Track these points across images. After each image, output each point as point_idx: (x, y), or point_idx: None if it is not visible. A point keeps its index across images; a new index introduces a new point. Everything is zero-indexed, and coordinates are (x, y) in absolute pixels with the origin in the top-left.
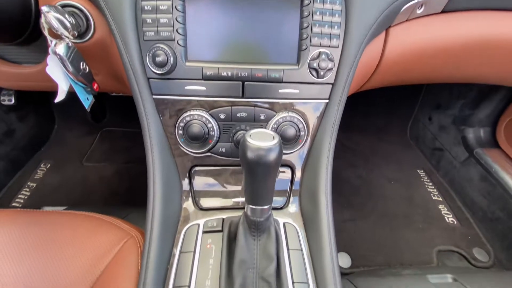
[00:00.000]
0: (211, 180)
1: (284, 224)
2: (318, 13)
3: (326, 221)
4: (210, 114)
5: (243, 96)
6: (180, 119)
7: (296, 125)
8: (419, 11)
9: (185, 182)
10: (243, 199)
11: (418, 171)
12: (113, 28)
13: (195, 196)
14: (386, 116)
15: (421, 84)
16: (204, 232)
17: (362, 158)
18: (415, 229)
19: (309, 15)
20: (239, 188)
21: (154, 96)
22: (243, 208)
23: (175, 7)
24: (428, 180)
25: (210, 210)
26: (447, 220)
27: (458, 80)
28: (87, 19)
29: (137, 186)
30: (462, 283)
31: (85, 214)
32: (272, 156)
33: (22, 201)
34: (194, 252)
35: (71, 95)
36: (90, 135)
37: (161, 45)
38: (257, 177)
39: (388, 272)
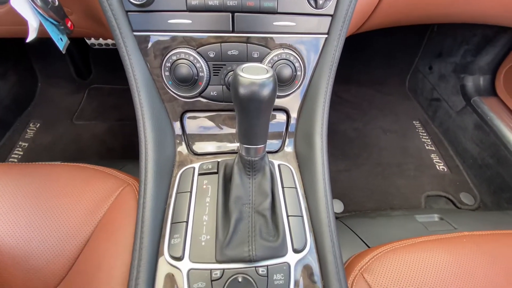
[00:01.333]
0: (204, 125)
1: (279, 165)
2: None
3: (321, 163)
4: (198, 53)
5: (233, 31)
6: (166, 58)
7: (293, 63)
8: None
9: (177, 127)
10: (237, 144)
11: (414, 122)
12: None
13: (189, 141)
14: (386, 68)
15: (425, 28)
16: (200, 174)
17: (359, 110)
18: (407, 177)
19: None
20: (233, 132)
21: (135, 33)
22: (236, 153)
23: None
24: (423, 131)
25: (204, 155)
26: (438, 168)
27: (462, 19)
28: None
29: (133, 142)
30: (447, 221)
31: (80, 165)
32: (266, 91)
33: (16, 160)
34: (191, 192)
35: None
36: (77, 92)
37: None
38: (250, 114)
39: (378, 214)
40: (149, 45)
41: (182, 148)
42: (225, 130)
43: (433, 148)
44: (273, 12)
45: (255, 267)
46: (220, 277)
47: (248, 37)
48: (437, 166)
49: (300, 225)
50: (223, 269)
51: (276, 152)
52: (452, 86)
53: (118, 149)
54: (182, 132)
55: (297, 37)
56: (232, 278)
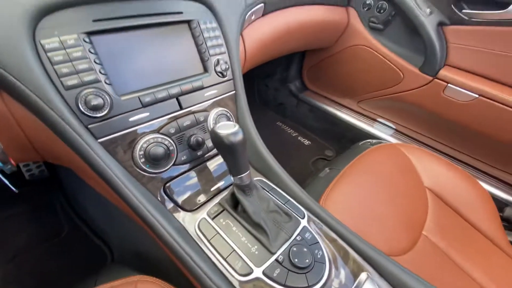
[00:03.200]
0: (185, 186)
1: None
2: (205, 32)
3: (278, 168)
4: (162, 133)
5: (181, 108)
6: (138, 148)
7: (226, 113)
8: (253, 17)
9: (167, 201)
10: (221, 184)
11: (277, 123)
12: (25, 92)
13: (182, 205)
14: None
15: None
16: (213, 218)
17: None
18: (295, 157)
19: (199, 35)
20: (212, 178)
21: (100, 140)
22: (222, 190)
23: (88, 50)
24: (285, 126)
25: (199, 207)
26: (305, 144)
27: (290, 51)
28: None
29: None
30: (332, 167)
31: None
32: (241, 136)
33: None
34: (218, 232)
35: None
36: None
37: (89, 90)
38: (237, 153)
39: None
40: (116, 144)
41: (180, 214)
42: (204, 179)
43: (297, 134)
44: (202, 88)
45: (294, 238)
46: (284, 258)
47: (192, 110)
48: (304, 142)
49: (293, 204)
50: (281, 252)
51: None
52: (284, 93)
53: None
54: (173, 203)
55: (220, 98)
56: (289, 251)
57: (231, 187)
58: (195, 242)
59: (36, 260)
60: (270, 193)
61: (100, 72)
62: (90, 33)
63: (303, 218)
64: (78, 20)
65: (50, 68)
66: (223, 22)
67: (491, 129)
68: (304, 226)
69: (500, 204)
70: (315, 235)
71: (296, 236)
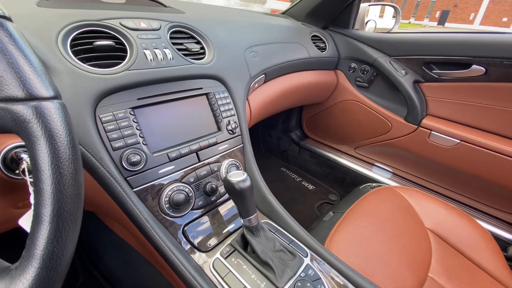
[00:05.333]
0: (200, 230)
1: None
2: (219, 101)
3: (282, 211)
4: (183, 182)
5: (199, 161)
6: (164, 195)
7: (235, 163)
8: (256, 86)
9: (184, 243)
10: (231, 227)
11: (282, 169)
12: (85, 153)
13: (197, 246)
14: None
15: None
16: (225, 258)
17: None
18: (300, 202)
19: (215, 103)
20: (223, 222)
21: (135, 189)
22: (233, 233)
23: (132, 120)
24: (290, 171)
25: (213, 248)
26: (309, 188)
27: (289, 107)
28: None
29: None
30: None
31: None
32: (249, 182)
33: None
34: (231, 271)
35: None
36: None
37: (130, 150)
38: (246, 197)
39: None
40: (147, 193)
41: (196, 255)
42: (217, 222)
43: (300, 179)
44: (216, 143)
45: (299, 275)
46: None
47: (208, 162)
48: (308, 187)
49: (296, 244)
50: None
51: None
52: (286, 141)
53: None
54: (190, 245)
55: (230, 151)
56: (294, 286)
57: (240, 229)
58: (210, 280)
59: None
60: (275, 234)
61: (139, 136)
62: (134, 108)
63: (306, 256)
64: (127, 99)
65: (104, 135)
66: (233, 91)
67: (480, 171)
68: (307, 264)
69: (503, 243)
70: (317, 272)
71: (301, 273)
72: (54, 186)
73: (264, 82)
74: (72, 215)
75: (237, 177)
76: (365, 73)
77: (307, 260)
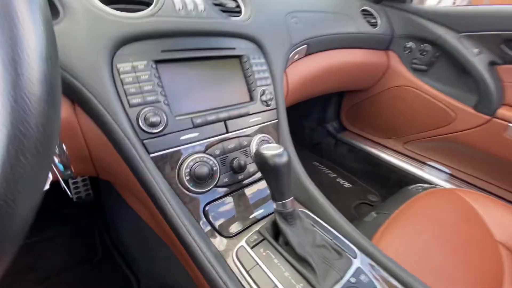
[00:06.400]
0: (225, 210)
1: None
2: (254, 66)
3: (323, 200)
4: (208, 154)
5: (227, 132)
6: (185, 166)
7: (268, 140)
8: (296, 57)
9: (204, 224)
10: (259, 212)
11: (314, 163)
12: (97, 106)
13: (219, 230)
14: None
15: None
16: (252, 247)
17: None
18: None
19: (249, 68)
20: (249, 205)
21: (152, 155)
22: (260, 219)
23: (154, 75)
24: (323, 166)
25: (237, 235)
26: (345, 186)
27: (329, 91)
28: None
29: None
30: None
31: None
32: (286, 156)
33: None
34: (258, 264)
35: None
36: None
37: (149, 108)
38: (281, 176)
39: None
40: (165, 161)
41: (217, 240)
42: (243, 205)
43: (335, 175)
44: (248, 114)
45: (348, 280)
46: None
47: (237, 134)
48: (344, 184)
49: (341, 241)
50: None
51: None
52: (321, 133)
53: None
54: (211, 227)
55: (263, 125)
56: None
57: (271, 215)
58: (232, 271)
59: (64, 285)
60: (315, 227)
61: (161, 94)
62: (157, 61)
63: (355, 257)
64: (150, 50)
65: (120, 88)
66: (270, 57)
67: None
68: (358, 267)
69: None
70: (372, 279)
71: (350, 278)
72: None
73: (305, 55)
74: (36, 144)
75: (272, 150)
76: (424, 53)
77: (356, 262)
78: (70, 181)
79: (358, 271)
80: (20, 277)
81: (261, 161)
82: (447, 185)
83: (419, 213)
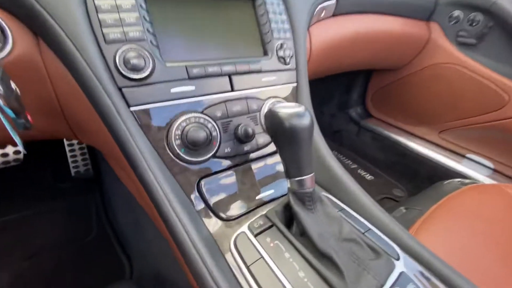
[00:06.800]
0: (225, 187)
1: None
2: (270, 12)
3: (349, 180)
4: (206, 114)
5: (232, 90)
6: (175, 127)
7: None
8: (322, 14)
9: (197, 200)
10: (267, 193)
11: (333, 152)
12: (64, 40)
13: (215, 210)
14: None
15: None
16: (256, 235)
17: None
18: None
19: (264, 13)
20: (256, 184)
21: (132, 109)
22: (268, 202)
23: (140, 5)
24: (342, 156)
25: (238, 218)
26: (367, 178)
27: (356, 67)
28: (2, 30)
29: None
30: (411, 207)
31: None
32: (309, 117)
33: None
34: (263, 257)
35: None
36: None
37: (131, 46)
38: (300, 143)
39: None
40: (150, 117)
41: (212, 221)
42: (249, 182)
43: (356, 165)
44: (260, 71)
45: None
46: None
47: (246, 95)
48: (365, 177)
49: (377, 235)
50: None
51: None
52: (342, 119)
53: None
54: (205, 204)
55: (278, 88)
56: None
57: (284, 196)
58: (227, 265)
59: (53, 263)
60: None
61: (148, 31)
62: None
63: (397, 259)
64: None
65: (94, 16)
66: (292, 6)
67: None
68: (403, 273)
69: None
70: None
71: (392, 287)
72: None
73: (333, 15)
74: None
75: (290, 108)
76: (474, 24)
77: (400, 265)
78: (68, 154)
79: (404, 278)
80: (8, 251)
81: (275, 123)
82: (489, 181)
83: (462, 210)
